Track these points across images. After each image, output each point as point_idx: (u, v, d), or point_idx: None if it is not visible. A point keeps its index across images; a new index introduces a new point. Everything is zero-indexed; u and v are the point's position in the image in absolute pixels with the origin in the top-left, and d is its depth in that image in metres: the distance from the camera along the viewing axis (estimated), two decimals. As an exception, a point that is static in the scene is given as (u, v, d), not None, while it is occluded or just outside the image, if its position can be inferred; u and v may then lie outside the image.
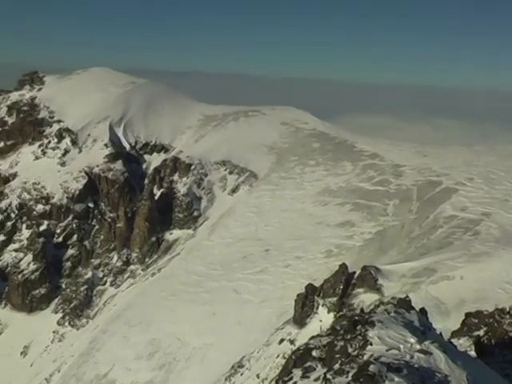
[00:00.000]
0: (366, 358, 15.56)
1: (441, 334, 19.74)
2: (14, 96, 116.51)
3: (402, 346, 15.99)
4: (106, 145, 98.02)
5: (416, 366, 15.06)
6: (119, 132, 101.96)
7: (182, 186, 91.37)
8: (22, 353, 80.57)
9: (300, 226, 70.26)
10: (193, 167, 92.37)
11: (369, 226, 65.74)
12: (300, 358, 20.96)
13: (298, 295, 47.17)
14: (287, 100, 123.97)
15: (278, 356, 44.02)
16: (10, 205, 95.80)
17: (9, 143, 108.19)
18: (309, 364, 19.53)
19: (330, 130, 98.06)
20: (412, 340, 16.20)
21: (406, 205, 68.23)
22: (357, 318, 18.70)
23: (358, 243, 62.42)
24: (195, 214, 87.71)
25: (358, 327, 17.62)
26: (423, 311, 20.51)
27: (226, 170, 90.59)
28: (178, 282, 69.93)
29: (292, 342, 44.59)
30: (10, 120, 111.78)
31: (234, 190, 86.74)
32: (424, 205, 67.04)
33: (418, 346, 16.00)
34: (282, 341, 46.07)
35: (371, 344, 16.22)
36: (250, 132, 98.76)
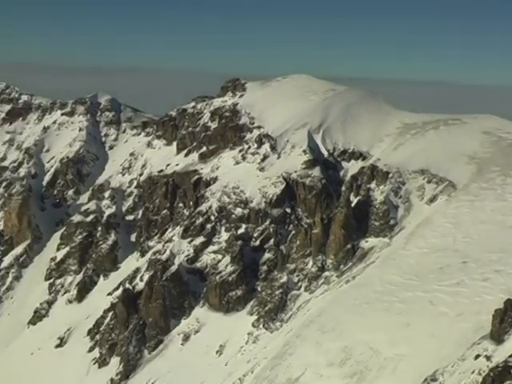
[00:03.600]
0: None
1: None
2: (217, 102, 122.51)
3: None
4: (304, 151, 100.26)
5: None
6: (317, 139, 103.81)
7: (379, 193, 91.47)
8: (217, 352, 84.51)
9: (500, 238, 68.10)
10: (390, 175, 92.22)
11: None
12: (498, 376, 21.07)
13: (495, 310, 46.41)
14: (487, 109, 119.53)
15: (473, 372, 43.63)
16: (210, 208, 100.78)
17: (211, 148, 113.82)
18: (508, 382, 19.57)
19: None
20: None
21: None
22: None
23: (561, 259, 59.87)
24: (391, 222, 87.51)
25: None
26: None
27: (424, 178, 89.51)
28: (372, 291, 70.26)
29: (488, 358, 44.01)
30: (213, 125, 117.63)
31: (432, 200, 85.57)
32: None
33: None
34: (477, 356, 45.52)
35: None
36: (450, 141, 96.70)
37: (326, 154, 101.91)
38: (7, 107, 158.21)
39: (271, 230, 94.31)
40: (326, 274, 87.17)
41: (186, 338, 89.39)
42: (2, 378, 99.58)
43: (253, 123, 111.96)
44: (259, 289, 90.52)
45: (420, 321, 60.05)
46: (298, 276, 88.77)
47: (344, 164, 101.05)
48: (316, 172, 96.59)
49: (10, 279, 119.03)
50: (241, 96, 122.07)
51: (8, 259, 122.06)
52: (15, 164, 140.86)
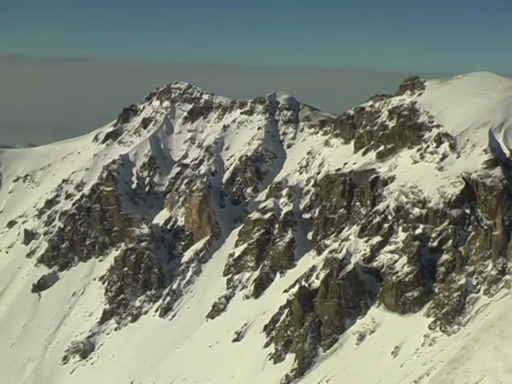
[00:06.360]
0: None
1: None
2: (395, 101, 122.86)
3: None
4: (485, 150, 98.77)
5: None
6: (499, 138, 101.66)
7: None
8: (392, 353, 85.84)
9: None
10: None
11: None
12: None
13: None
14: None
15: None
16: (387, 207, 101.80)
17: (388, 147, 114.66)
18: None
19: None
20: None
21: None
22: None
23: None
24: None
25: None
26: None
27: None
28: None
29: None
30: (391, 124, 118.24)
31: None
32: None
33: None
34: None
35: None
36: None
37: (507, 153, 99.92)
38: (189, 106, 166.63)
39: (450, 230, 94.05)
40: (507, 277, 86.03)
41: (361, 337, 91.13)
42: (182, 369, 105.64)
43: (432, 122, 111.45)
44: (436, 290, 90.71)
45: None
46: (476, 279, 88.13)
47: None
48: (497, 172, 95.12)
49: (189, 274, 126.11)
50: (419, 94, 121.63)
51: (188, 254, 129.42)
52: (196, 162, 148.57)
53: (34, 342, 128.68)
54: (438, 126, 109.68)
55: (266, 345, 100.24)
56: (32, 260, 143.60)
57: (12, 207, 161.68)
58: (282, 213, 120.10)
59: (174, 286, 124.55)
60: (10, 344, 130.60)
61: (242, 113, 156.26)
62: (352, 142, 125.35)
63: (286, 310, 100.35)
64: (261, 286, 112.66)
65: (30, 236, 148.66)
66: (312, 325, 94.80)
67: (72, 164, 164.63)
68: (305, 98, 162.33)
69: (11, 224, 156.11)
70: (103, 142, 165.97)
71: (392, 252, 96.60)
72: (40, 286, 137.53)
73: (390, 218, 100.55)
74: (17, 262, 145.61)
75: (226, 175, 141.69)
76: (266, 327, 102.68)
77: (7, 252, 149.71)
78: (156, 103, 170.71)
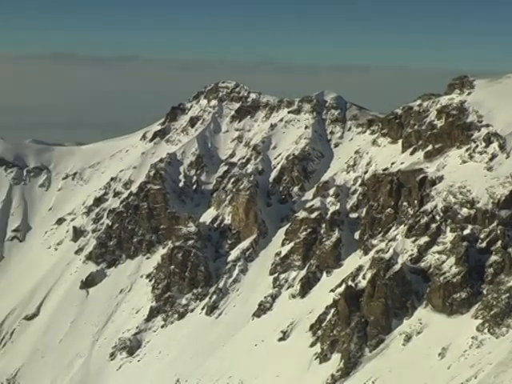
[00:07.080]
0: None
1: None
2: (444, 100, 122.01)
3: None
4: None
5: None
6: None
7: None
8: (439, 354, 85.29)
9: None
10: None
11: None
12: None
13: None
14: None
15: None
16: (435, 207, 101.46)
17: (437, 146, 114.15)
18: None
19: None
20: None
21: None
22: None
23: None
24: None
25: None
26: None
27: None
28: None
29: None
30: (439, 124, 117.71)
31: None
32: None
33: None
34: None
35: None
36: None
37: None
38: (236, 105, 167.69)
39: (498, 231, 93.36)
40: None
41: (408, 338, 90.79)
42: (228, 367, 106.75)
43: (481, 121, 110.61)
44: (484, 292, 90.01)
45: None
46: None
47: None
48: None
49: (236, 272, 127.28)
50: (469, 93, 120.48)
51: (235, 252, 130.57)
52: (243, 160, 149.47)
53: (82, 338, 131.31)
54: (487, 126, 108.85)
55: (312, 344, 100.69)
56: (80, 257, 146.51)
57: (61, 205, 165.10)
58: (329, 212, 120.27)
59: (221, 285, 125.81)
60: (59, 340, 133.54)
61: (289, 112, 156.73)
62: (400, 142, 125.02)
63: (333, 310, 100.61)
64: (307, 285, 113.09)
65: (78, 233, 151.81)
66: (358, 325, 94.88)
67: (120, 162, 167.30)
68: (352, 97, 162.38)
69: (60, 221, 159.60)
70: (151, 140, 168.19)
71: (440, 252, 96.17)
72: (88, 283, 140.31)
73: (437, 218, 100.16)
74: (65, 258, 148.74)
75: (273, 174, 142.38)
76: (311, 327, 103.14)
77: (56, 249, 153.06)
78: (203, 102, 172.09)
